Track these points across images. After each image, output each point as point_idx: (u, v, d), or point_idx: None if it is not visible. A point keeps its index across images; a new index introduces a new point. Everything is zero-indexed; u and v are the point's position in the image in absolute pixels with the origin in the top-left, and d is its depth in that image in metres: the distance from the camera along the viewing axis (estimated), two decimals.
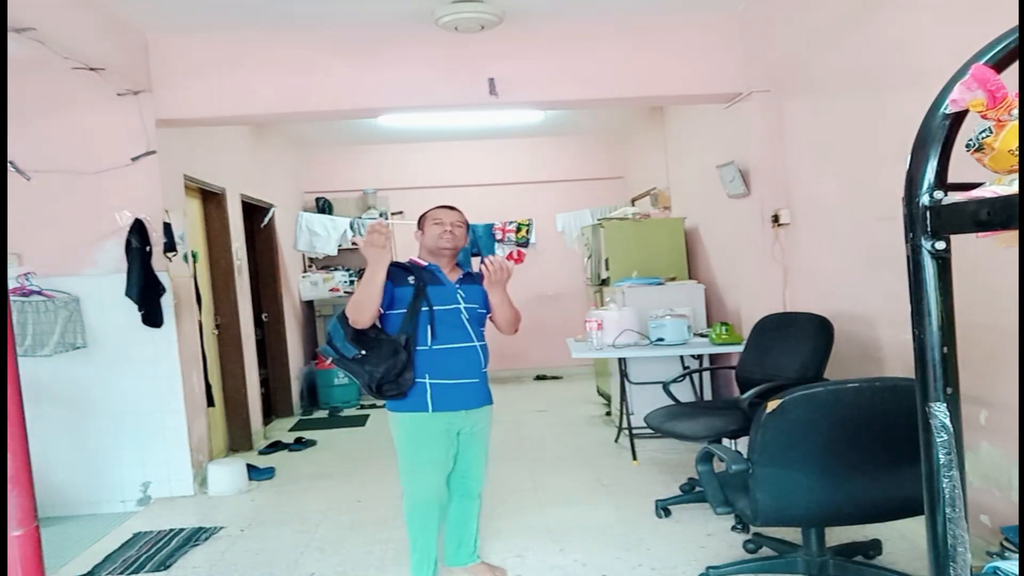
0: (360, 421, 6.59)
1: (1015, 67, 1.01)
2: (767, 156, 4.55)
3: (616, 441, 5.29)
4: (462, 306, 2.82)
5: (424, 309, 2.75)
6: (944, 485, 1.01)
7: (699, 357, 5.12)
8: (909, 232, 1.04)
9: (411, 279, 2.78)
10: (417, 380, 2.73)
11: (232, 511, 4.21)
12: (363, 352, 2.71)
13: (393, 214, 8.21)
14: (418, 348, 2.74)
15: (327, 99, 4.60)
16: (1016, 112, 0.96)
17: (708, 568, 2.95)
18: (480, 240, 7.99)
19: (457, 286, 2.86)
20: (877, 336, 3.64)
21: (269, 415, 6.65)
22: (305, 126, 7.36)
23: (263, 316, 6.66)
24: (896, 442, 2.31)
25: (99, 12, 3.91)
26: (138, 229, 4.26)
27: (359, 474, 4.81)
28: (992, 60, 0.98)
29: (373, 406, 7.06)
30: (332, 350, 2.77)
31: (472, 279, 2.93)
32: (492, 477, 4.55)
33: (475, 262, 7.92)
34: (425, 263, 2.89)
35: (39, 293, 4.17)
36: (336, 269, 8.00)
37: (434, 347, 2.74)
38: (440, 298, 2.80)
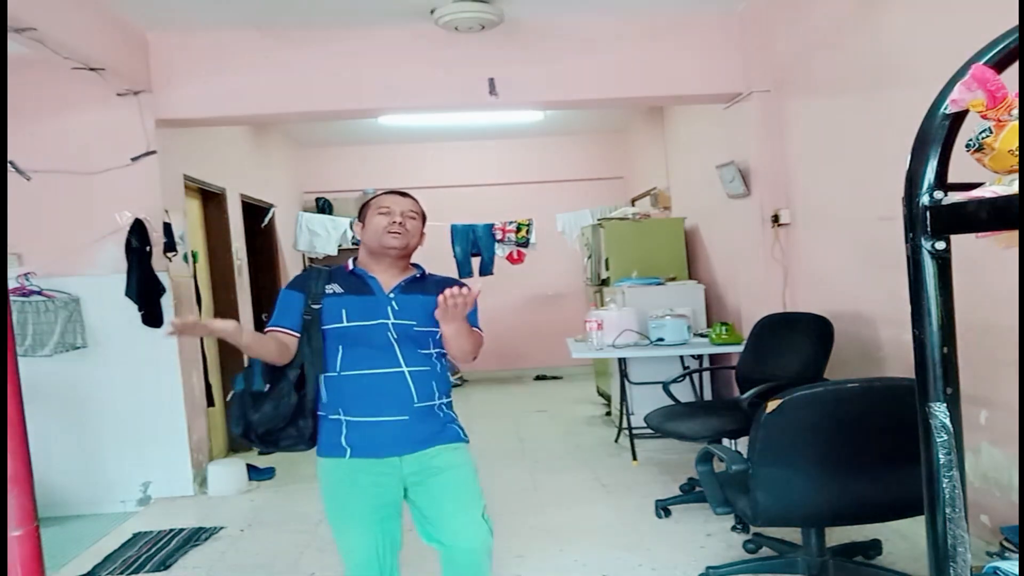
0: None
1: (1015, 67, 1.01)
2: (767, 156, 4.55)
3: (616, 441, 5.29)
4: (390, 322, 2.13)
5: (335, 326, 2.12)
6: (944, 485, 1.01)
7: (699, 357, 5.12)
8: (909, 232, 1.04)
9: (332, 288, 2.18)
10: (330, 416, 2.13)
11: (232, 511, 4.21)
12: (268, 386, 2.15)
13: None
14: (327, 375, 2.13)
15: (327, 99, 4.60)
16: (1016, 112, 0.96)
17: (708, 568, 2.95)
18: (480, 240, 7.98)
19: (391, 296, 2.18)
20: (877, 336, 3.64)
21: None
22: (305, 126, 7.36)
23: (263, 316, 6.65)
24: (896, 442, 2.31)
25: (99, 12, 3.91)
26: (138, 229, 4.26)
27: None
28: (992, 60, 0.98)
29: None
30: (242, 379, 2.18)
31: (418, 286, 2.23)
32: (492, 477, 4.57)
33: (474, 262, 7.96)
34: (352, 266, 2.24)
35: (39, 293, 4.17)
36: None
37: (342, 373, 2.11)
38: (362, 311, 2.13)
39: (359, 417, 2.11)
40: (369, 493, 2.11)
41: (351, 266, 2.25)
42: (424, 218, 2.29)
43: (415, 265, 2.31)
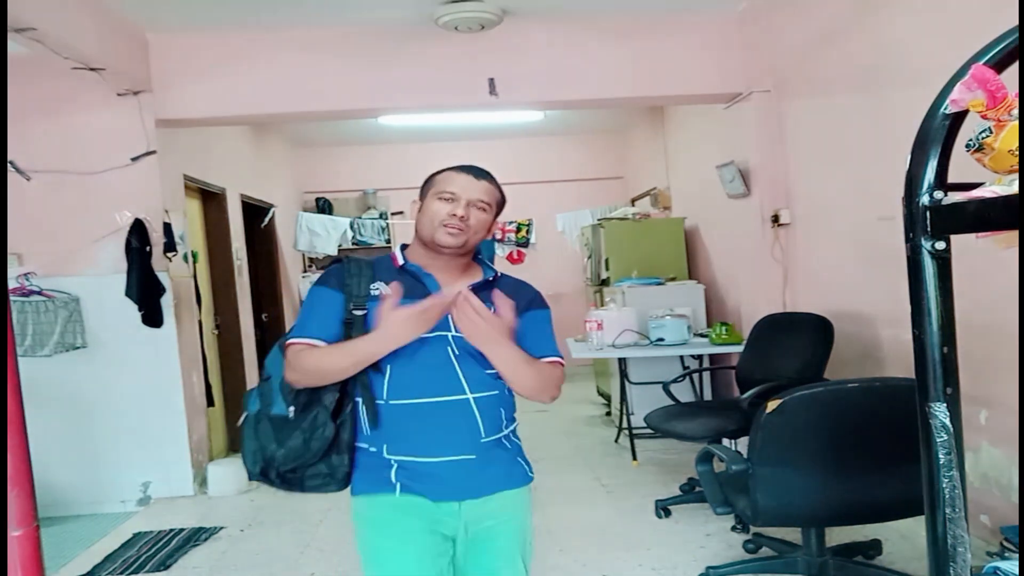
0: None
1: (1015, 67, 1.01)
2: (767, 156, 4.55)
3: (616, 441, 5.29)
4: (451, 334, 1.65)
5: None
6: (944, 485, 1.01)
7: (699, 357, 5.12)
8: (909, 232, 1.04)
9: (378, 288, 1.68)
10: (372, 449, 1.68)
11: (232, 511, 4.21)
12: (293, 410, 1.67)
13: (393, 214, 8.21)
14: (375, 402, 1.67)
15: (327, 99, 4.60)
16: (1016, 112, 0.96)
17: (708, 568, 2.95)
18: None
19: None
20: (877, 336, 3.64)
21: None
22: (305, 126, 7.36)
23: (263, 316, 6.66)
24: (896, 442, 2.31)
25: (99, 12, 3.91)
26: (138, 229, 4.26)
27: None
28: (992, 60, 0.98)
29: None
30: (257, 396, 1.72)
31: (487, 293, 1.68)
32: None
33: None
34: (403, 261, 1.74)
35: (39, 293, 4.17)
36: None
37: (391, 402, 1.64)
38: None
39: (412, 457, 1.64)
40: (420, 543, 1.66)
41: (400, 259, 1.74)
42: (500, 207, 1.77)
43: (480, 261, 1.80)
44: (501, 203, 1.77)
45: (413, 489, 1.65)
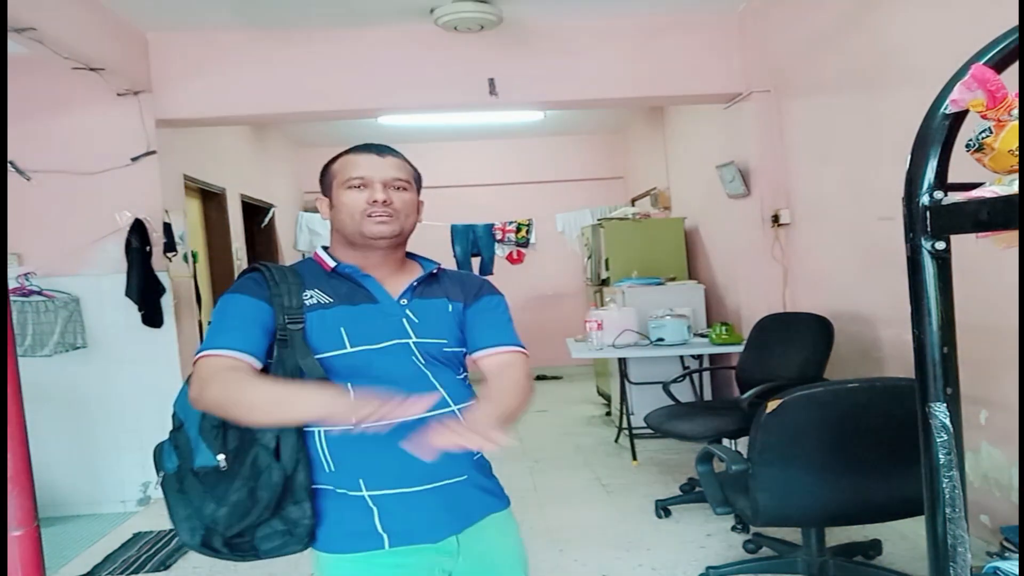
0: None
1: (1015, 67, 1.01)
2: (767, 156, 4.55)
3: (616, 441, 5.29)
4: (412, 341, 1.42)
5: (334, 354, 1.38)
6: (944, 485, 1.01)
7: (699, 357, 5.12)
8: (909, 232, 1.04)
9: (312, 296, 1.43)
10: (340, 491, 1.38)
11: None
12: (224, 461, 1.34)
13: None
14: (330, 432, 1.36)
15: (327, 99, 4.60)
16: (1016, 112, 0.96)
17: (708, 568, 2.95)
18: (480, 240, 7.99)
19: (404, 302, 1.47)
20: (877, 336, 3.64)
21: None
22: (305, 126, 7.36)
23: None
24: (896, 442, 2.31)
25: (99, 12, 3.91)
26: (138, 229, 4.26)
27: None
28: (992, 60, 0.98)
29: None
30: (171, 448, 1.39)
31: (434, 287, 1.53)
32: None
33: (474, 263, 7.96)
34: (334, 263, 1.49)
35: (39, 293, 4.16)
36: None
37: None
38: (368, 329, 1.41)
39: (400, 488, 1.37)
40: None
41: (330, 262, 1.49)
42: (419, 182, 1.54)
43: (415, 256, 1.59)
44: (418, 178, 1.55)
45: (408, 537, 1.37)
